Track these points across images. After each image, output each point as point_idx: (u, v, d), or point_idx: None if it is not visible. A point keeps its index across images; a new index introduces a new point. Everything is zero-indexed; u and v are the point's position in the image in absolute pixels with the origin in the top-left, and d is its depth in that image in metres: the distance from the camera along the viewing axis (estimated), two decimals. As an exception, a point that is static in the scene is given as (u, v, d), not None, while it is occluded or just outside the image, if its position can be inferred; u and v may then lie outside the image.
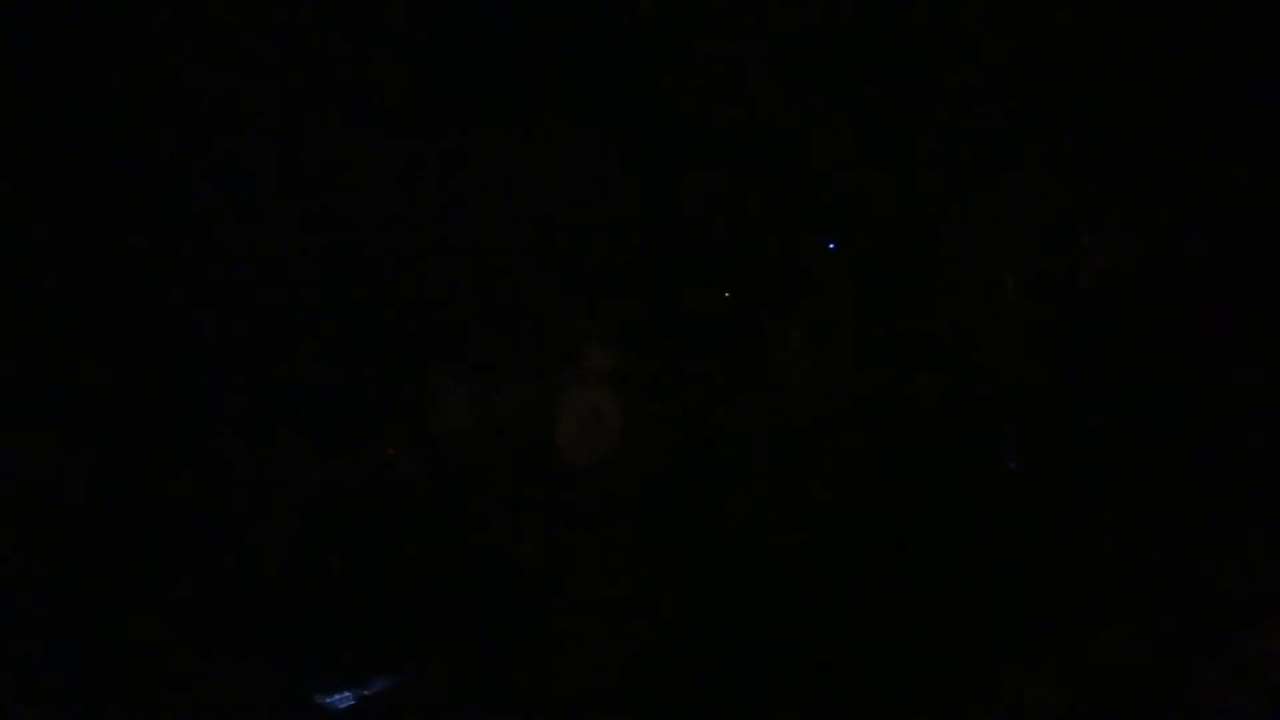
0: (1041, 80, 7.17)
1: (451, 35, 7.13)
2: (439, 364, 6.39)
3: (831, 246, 7.30)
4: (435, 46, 7.05)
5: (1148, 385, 6.90)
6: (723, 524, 6.25)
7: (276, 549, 4.71)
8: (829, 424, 6.62)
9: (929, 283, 7.10)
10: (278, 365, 6.29)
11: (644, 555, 5.96)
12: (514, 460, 6.19)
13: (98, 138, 5.73)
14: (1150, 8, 6.70)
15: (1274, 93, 6.36)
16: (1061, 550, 5.30)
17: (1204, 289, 6.78)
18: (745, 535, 6.05)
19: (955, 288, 6.94)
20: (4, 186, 5.32)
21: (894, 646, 4.81)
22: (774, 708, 4.57)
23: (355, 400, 5.91)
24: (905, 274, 6.93)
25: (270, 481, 4.85)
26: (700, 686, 4.70)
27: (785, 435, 6.55)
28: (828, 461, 6.45)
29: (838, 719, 4.50)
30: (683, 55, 7.50)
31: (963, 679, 4.54)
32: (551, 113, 7.33)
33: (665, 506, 6.38)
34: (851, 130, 7.65)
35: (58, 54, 5.54)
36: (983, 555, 5.43)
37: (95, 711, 3.17)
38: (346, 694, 4.18)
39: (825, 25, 7.38)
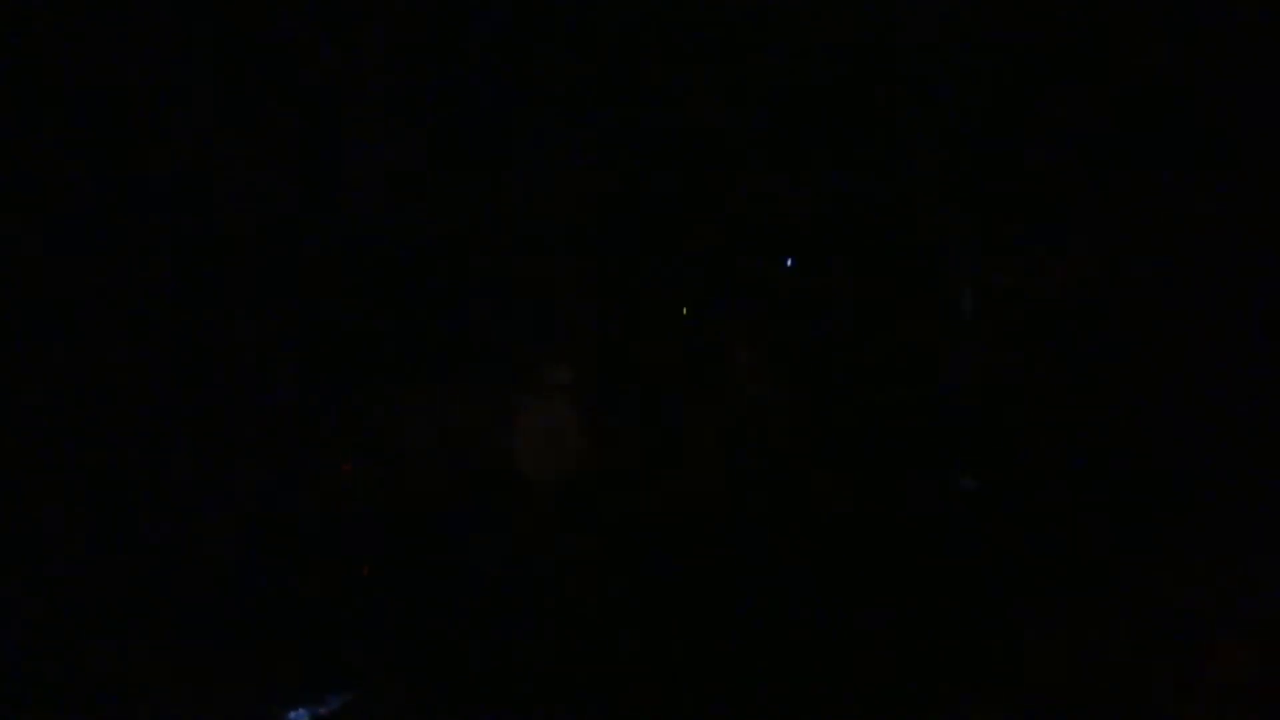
0: (1004, 91, 7.28)
1: (420, 47, 7.07)
2: (397, 377, 6.31)
3: (789, 263, 7.33)
4: (409, 62, 6.99)
5: (1107, 401, 7.03)
6: (681, 541, 6.23)
7: (233, 562, 4.59)
8: (787, 440, 6.62)
9: (890, 298, 7.17)
10: (240, 379, 6.17)
11: (605, 567, 5.93)
12: (475, 473, 6.12)
13: (87, 140, 5.60)
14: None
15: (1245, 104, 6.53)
16: (1017, 569, 5.33)
17: (1167, 305, 6.92)
18: (702, 550, 6.02)
19: (916, 303, 7.01)
20: None
21: (846, 668, 4.78)
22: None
23: (313, 414, 5.80)
24: (866, 289, 6.98)
25: (228, 496, 4.72)
26: (655, 701, 4.65)
27: (743, 450, 6.54)
28: (785, 478, 6.45)
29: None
30: (652, 69, 7.51)
31: (915, 703, 4.53)
32: (520, 127, 7.29)
33: (625, 520, 6.34)
34: (812, 149, 7.71)
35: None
36: (938, 575, 5.43)
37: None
38: (302, 711, 4.07)
39: (793, 39, 7.42)
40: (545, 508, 6.23)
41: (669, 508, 6.50)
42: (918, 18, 7.26)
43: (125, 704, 3.54)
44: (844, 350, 7.30)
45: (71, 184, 5.63)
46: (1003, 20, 7.07)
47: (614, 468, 6.71)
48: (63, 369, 5.20)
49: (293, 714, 3.96)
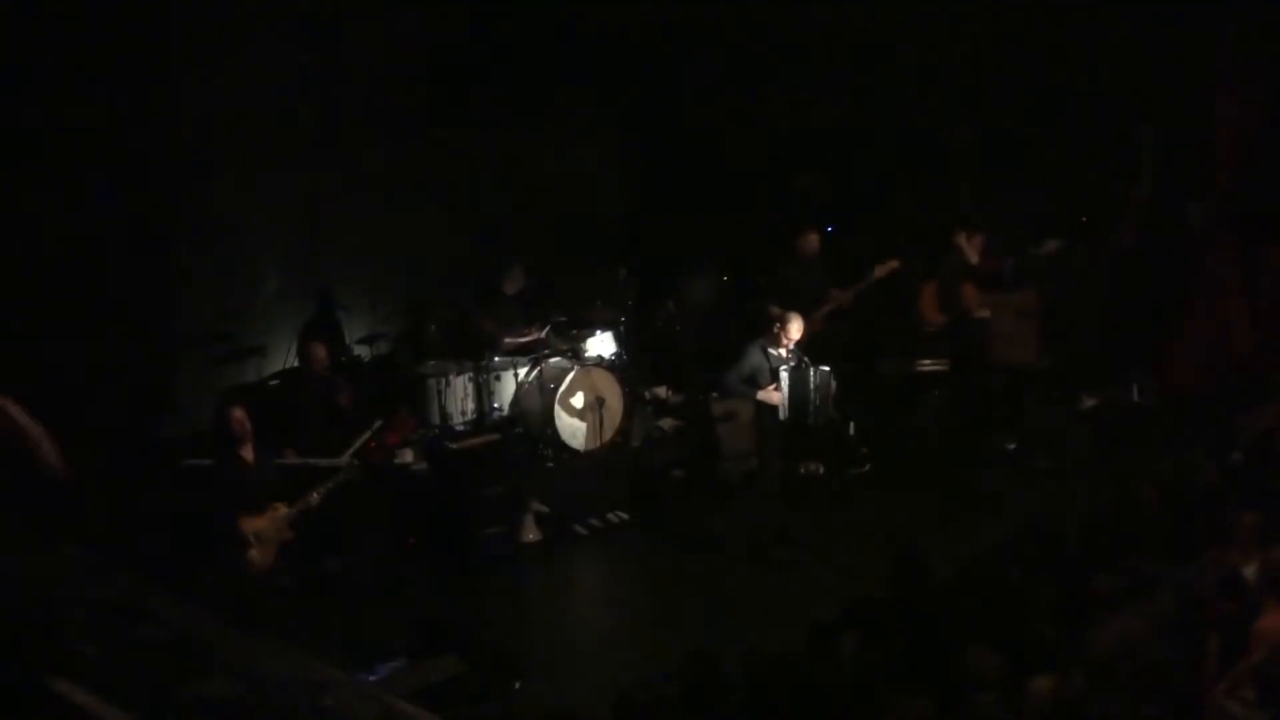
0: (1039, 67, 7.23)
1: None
2: (442, 350, 6.39)
3: (830, 230, 7.31)
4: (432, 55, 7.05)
5: (1142, 365, 7.01)
6: (722, 502, 6.30)
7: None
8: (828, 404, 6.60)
9: (929, 265, 7.14)
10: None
11: (645, 536, 6.01)
12: (519, 444, 6.21)
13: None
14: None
15: None
16: (1060, 533, 5.29)
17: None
18: (743, 512, 6.07)
19: (956, 270, 6.97)
20: None
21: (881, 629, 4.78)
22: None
23: (363, 389, 5.91)
24: (905, 257, 6.93)
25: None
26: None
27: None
28: (824, 442, 6.46)
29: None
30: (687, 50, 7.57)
31: (954, 666, 4.52)
32: (562, 111, 7.38)
33: (664, 489, 6.42)
34: (847, 123, 7.72)
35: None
36: (980, 538, 5.39)
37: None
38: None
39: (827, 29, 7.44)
40: (589, 477, 6.32)
41: (710, 473, 6.56)
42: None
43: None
44: (886, 316, 7.30)
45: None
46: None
47: (656, 437, 6.76)
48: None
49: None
